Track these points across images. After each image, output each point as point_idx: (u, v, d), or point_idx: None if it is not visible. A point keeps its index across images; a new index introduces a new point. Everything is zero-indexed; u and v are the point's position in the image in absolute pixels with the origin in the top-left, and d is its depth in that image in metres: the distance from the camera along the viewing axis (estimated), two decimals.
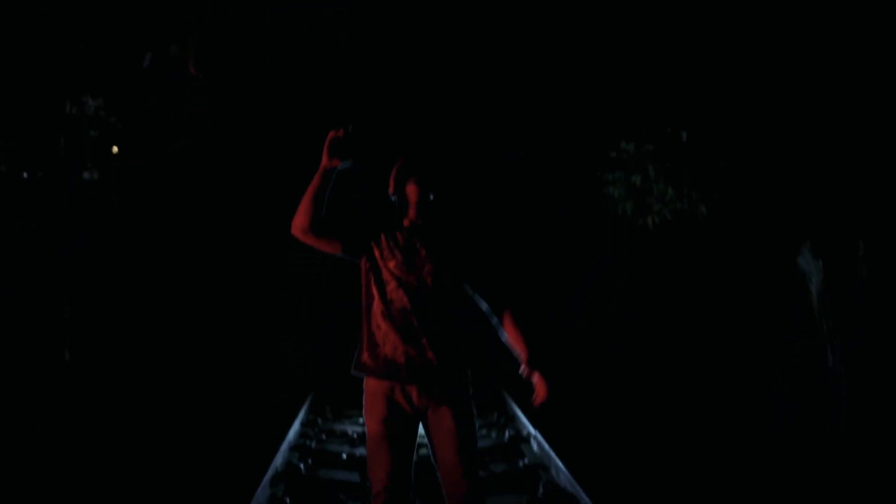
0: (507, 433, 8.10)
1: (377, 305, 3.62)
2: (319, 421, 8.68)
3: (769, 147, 8.86)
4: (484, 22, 11.85)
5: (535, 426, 7.77)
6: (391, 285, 3.61)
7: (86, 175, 10.23)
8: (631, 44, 9.96)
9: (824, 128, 8.38)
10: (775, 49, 8.67)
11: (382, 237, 3.67)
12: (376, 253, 3.65)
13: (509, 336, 3.67)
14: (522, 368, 3.63)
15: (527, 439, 7.86)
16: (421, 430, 3.72)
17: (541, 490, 6.07)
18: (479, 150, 11.31)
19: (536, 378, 3.62)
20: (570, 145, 11.16)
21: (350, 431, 8.24)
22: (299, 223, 3.57)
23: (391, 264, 3.62)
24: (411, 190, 3.69)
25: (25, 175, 8.97)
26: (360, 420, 8.77)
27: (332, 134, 3.54)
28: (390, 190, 3.75)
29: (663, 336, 10.68)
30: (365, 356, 3.63)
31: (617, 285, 11.82)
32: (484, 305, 3.73)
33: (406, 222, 3.72)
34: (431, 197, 3.71)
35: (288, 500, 5.69)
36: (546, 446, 7.00)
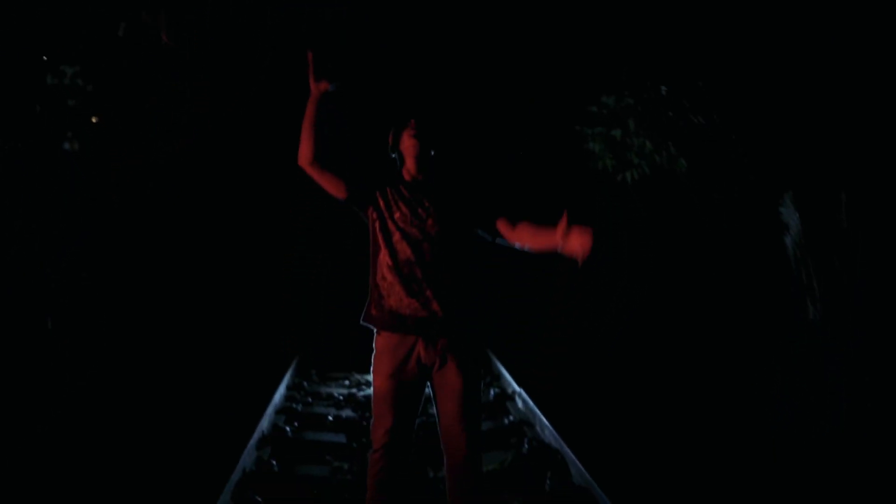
0: (492, 391, 8.15)
1: (383, 257, 3.67)
2: (305, 384, 8.71)
3: (749, 101, 8.85)
4: (487, 17, 11.78)
5: (519, 384, 7.82)
6: (396, 236, 3.65)
7: (66, 145, 10.17)
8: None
9: (802, 77, 8.38)
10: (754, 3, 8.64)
11: (388, 190, 3.72)
12: (381, 204, 3.70)
13: (532, 233, 3.60)
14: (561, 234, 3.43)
15: (512, 397, 7.91)
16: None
17: (526, 446, 6.13)
18: (473, 109, 11.27)
19: (577, 231, 3.41)
20: (550, 99, 11.11)
21: (336, 394, 8.27)
22: (302, 153, 3.70)
23: (396, 216, 3.67)
24: (412, 147, 3.72)
25: (5, 146, 8.91)
26: (346, 383, 8.82)
27: (310, 56, 3.61)
28: (390, 146, 3.80)
29: (647, 296, 10.74)
30: (373, 308, 3.69)
31: (601, 246, 11.83)
32: (494, 237, 3.73)
33: (408, 178, 3.76)
34: (432, 153, 3.75)
35: (274, 463, 5.72)
36: (531, 403, 7.06)
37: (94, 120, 10.28)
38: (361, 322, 3.76)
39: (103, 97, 9.75)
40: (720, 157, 9.30)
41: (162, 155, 10.55)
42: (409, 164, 3.75)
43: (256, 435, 6.05)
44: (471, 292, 3.71)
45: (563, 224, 3.43)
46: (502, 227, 3.69)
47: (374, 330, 3.72)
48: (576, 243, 3.39)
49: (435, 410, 3.75)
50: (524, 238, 3.63)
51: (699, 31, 9.13)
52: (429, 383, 3.73)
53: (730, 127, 9.05)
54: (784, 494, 5.06)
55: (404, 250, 3.64)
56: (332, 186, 3.72)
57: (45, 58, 9.46)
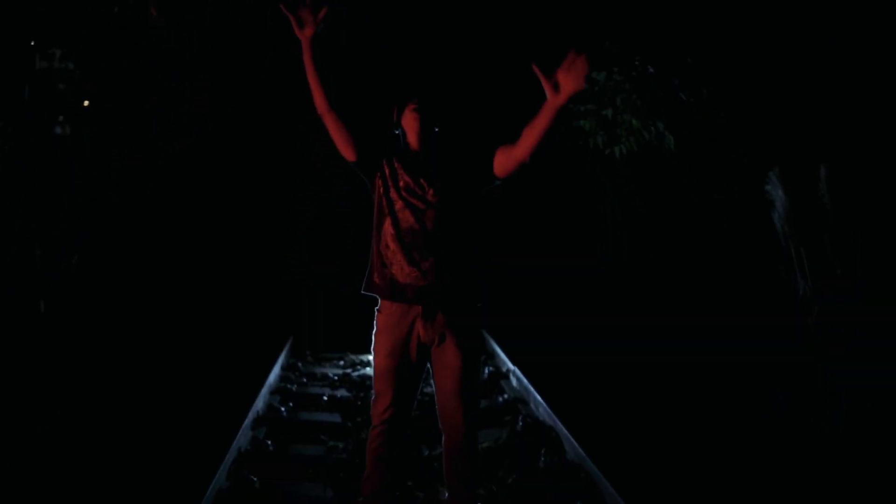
0: (486, 370, 8.17)
1: (386, 226, 3.68)
2: (300, 365, 8.72)
3: (737, 78, 8.87)
4: (487, 16, 11.75)
5: (513, 362, 7.84)
6: (399, 204, 3.66)
7: (57, 129, 10.14)
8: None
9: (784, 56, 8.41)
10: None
11: (393, 159, 3.73)
12: (387, 172, 3.72)
13: (527, 131, 3.51)
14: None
15: (506, 375, 7.94)
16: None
17: (520, 423, 6.16)
18: (470, 83, 11.25)
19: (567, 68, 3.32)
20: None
21: (331, 374, 8.28)
22: (316, 102, 3.73)
23: (400, 184, 3.68)
24: (414, 123, 3.72)
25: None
26: (341, 363, 8.83)
27: (283, 7, 3.65)
28: (394, 121, 3.81)
29: (642, 274, 10.78)
30: (374, 276, 3.71)
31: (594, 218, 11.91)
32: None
33: (410, 151, 3.77)
34: (436, 129, 3.76)
35: (269, 443, 5.74)
36: (525, 381, 7.08)
37: (85, 104, 10.27)
38: (363, 291, 3.78)
39: (93, 80, 9.74)
40: (708, 134, 9.33)
41: (162, 155, 10.55)
42: (412, 139, 3.76)
43: (251, 415, 6.06)
44: (472, 264, 3.72)
45: (544, 78, 3.37)
46: (502, 156, 3.64)
47: (376, 306, 3.74)
48: (570, 78, 3.32)
49: (433, 388, 3.78)
50: (524, 143, 3.52)
51: (689, 9, 9.14)
52: (429, 361, 3.75)
53: (718, 104, 9.08)
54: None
55: (407, 219, 3.65)
56: (344, 144, 3.73)
57: (33, 42, 9.43)
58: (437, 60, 11.73)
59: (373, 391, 3.76)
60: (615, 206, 11.81)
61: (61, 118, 10.09)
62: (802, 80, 8.30)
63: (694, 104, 9.24)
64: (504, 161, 3.62)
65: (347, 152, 3.75)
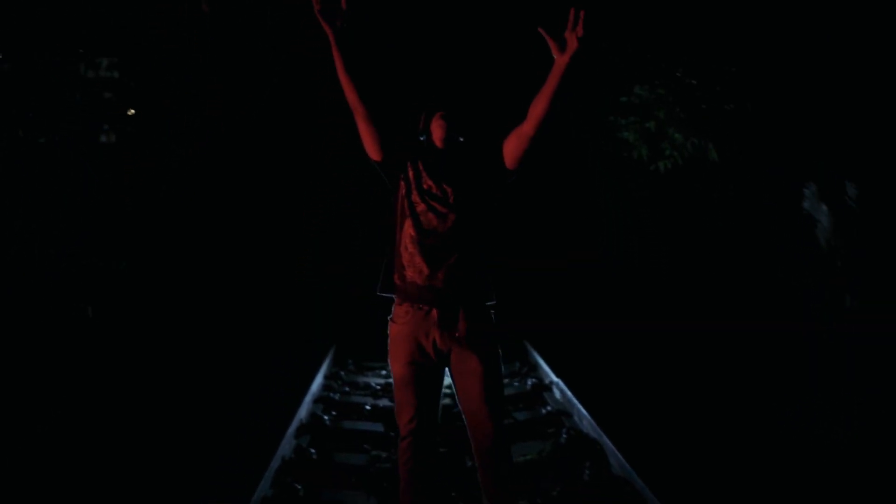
0: (529, 382, 8.13)
1: (407, 228, 3.67)
2: (342, 373, 8.74)
3: (777, 89, 8.81)
4: (488, 16, 11.78)
5: (557, 374, 7.79)
6: (420, 207, 3.65)
7: (103, 138, 10.25)
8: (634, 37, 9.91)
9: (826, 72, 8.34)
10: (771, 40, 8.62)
11: (417, 161, 3.71)
12: (410, 174, 3.70)
13: (534, 102, 3.56)
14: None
15: (549, 387, 7.88)
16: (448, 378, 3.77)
17: (564, 436, 6.11)
18: (501, 93, 11.27)
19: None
20: (582, 90, 11.11)
21: (373, 384, 8.29)
22: (348, 97, 3.72)
23: (424, 187, 3.67)
24: (438, 124, 3.72)
25: (43, 140, 8.99)
26: (383, 372, 8.83)
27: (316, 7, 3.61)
28: (420, 129, 3.81)
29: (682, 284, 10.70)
30: (394, 277, 3.70)
31: (632, 230, 11.86)
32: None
33: (434, 155, 3.76)
34: (461, 139, 3.75)
35: (313, 451, 5.75)
36: (568, 393, 7.03)
37: (130, 112, 10.37)
38: (379, 293, 3.76)
39: (140, 90, 9.83)
40: (752, 146, 9.26)
41: (175, 157, 10.62)
42: (437, 144, 3.75)
43: (295, 424, 6.07)
44: (487, 267, 3.70)
45: (551, 40, 3.46)
46: (511, 143, 3.65)
47: (389, 315, 3.72)
48: (573, 37, 3.42)
49: (456, 397, 3.75)
50: (532, 114, 3.56)
51: (732, 18, 9.08)
52: (448, 370, 3.72)
53: (763, 115, 9.01)
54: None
55: (429, 222, 3.64)
56: (371, 142, 3.74)
57: (80, 50, 9.55)
58: (459, 63, 11.74)
59: (395, 402, 3.74)
60: (625, 209, 11.78)
61: (106, 127, 10.21)
62: (841, 92, 8.23)
63: (738, 115, 9.18)
64: (514, 145, 3.63)
65: (373, 151, 3.75)
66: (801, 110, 8.64)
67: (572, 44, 3.42)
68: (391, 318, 3.73)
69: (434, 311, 3.61)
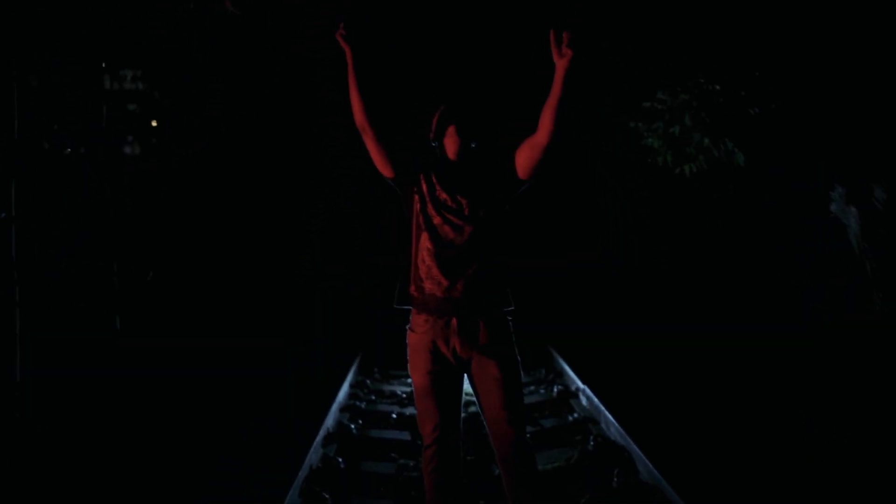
0: (555, 389, 8.10)
1: (423, 241, 3.68)
2: (368, 382, 8.75)
3: (801, 91, 8.77)
4: (488, 16, 11.80)
5: (583, 381, 7.77)
6: (436, 220, 3.66)
7: (127, 149, 10.32)
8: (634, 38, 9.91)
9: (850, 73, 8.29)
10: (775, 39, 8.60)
11: (431, 174, 3.72)
12: (424, 187, 3.71)
13: (543, 113, 3.57)
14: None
15: (575, 394, 7.86)
16: (467, 385, 3.76)
17: (591, 443, 6.07)
18: (518, 99, 11.28)
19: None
20: (605, 95, 11.10)
21: (399, 392, 8.29)
22: (356, 116, 3.72)
23: (438, 200, 3.67)
24: (452, 137, 3.72)
25: (69, 150, 9.06)
26: (409, 380, 8.81)
27: (340, 31, 3.68)
28: (431, 136, 3.80)
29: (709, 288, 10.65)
30: (410, 289, 3.70)
31: (658, 234, 11.83)
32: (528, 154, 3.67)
33: (448, 164, 3.76)
34: (473, 145, 3.75)
35: (340, 460, 5.75)
36: (595, 400, 7.00)
37: (153, 124, 10.44)
38: (396, 305, 3.77)
39: (166, 103, 9.88)
40: (779, 149, 9.22)
41: (175, 158, 10.65)
42: (450, 155, 3.75)
43: (322, 432, 6.08)
44: (504, 274, 3.70)
45: (555, 45, 3.51)
46: (523, 153, 3.66)
47: (407, 325, 3.73)
48: (565, 53, 3.48)
49: (477, 404, 3.74)
50: (542, 123, 3.56)
51: (756, 22, 9.05)
52: (468, 377, 3.72)
53: (788, 118, 8.98)
54: None
55: (445, 235, 3.65)
56: (381, 161, 3.75)
57: (104, 63, 9.62)
58: (466, 62, 11.75)
59: (417, 412, 3.74)
60: (626, 209, 11.77)
61: (131, 138, 10.28)
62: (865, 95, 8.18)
63: (763, 118, 9.15)
64: (527, 155, 3.63)
65: (385, 169, 3.76)
66: (827, 113, 8.60)
67: (567, 52, 3.46)
68: (410, 328, 3.74)
69: (454, 320, 3.62)
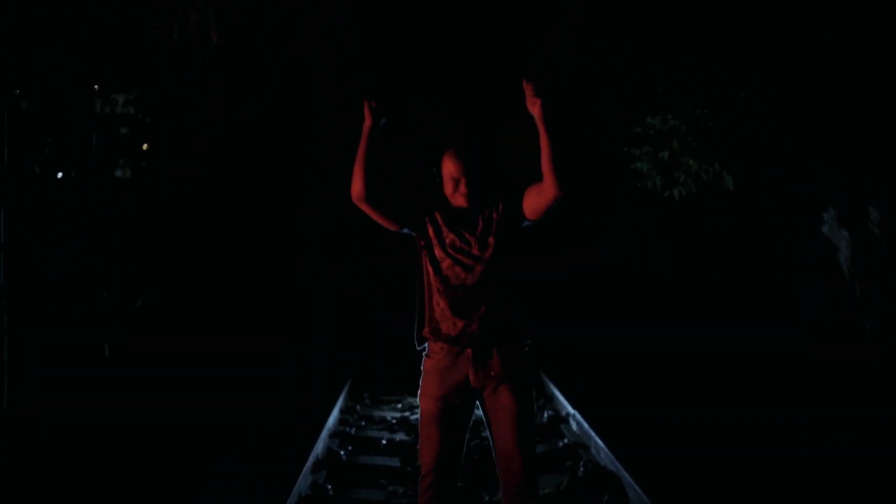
0: (545, 414, 8.09)
1: (434, 282, 3.67)
2: (358, 408, 8.72)
3: (789, 115, 8.83)
4: (488, 16, 11.88)
5: (574, 406, 7.76)
6: (446, 262, 3.66)
7: (118, 172, 10.32)
8: (652, 21, 9.95)
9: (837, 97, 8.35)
10: (794, 19, 8.63)
11: (437, 215, 3.72)
12: (430, 231, 3.71)
13: (542, 168, 3.54)
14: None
15: (566, 419, 7.85)
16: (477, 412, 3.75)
17: (581, 469, 6.06)
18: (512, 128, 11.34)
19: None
20: (594, 121, 11.18)
21: (389, 417, 8.27)
22: (355, 190, 3.65)
23: (446, 241, 3.67)
24: (463, 199, 3.72)
25: (60, 175, 9.06)
26: (399, 406, 8.80)
27: (366, 103, 3.65)
28: (436, 172, 3.81)
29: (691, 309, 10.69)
30: (426, 331, 3.69)
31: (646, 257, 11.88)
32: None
33: (453, 204, 3.76)
34: (476, 178, 3.74)
35: (329, 487, 5.72)
36: (585, 426, 6.99)
37: (144, 147, 10.44)
38: (418, 348, 3.77)
39: (157, 126, 9.90)
40: (767, 172, 9.28)
41: (175, 158, 10.64)
42: (458, 199, 3.74)
43: (311, 459, 6.05)
44: (519, 307, 3.69)
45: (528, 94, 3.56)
46: (532, 198, 3.64)
47: (424, 351, 3.72)
48: (534, 103, 3.52)
49: (489, 435, 3.73)
50: (546, 176, 3.53)
51: (740, 52, 9.12)
52: (480, 407, 3.71)
53: (777, 141, 9.03)
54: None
55: (456, 276, 3.65)
56: (385, 221, 3.73)
57: (96, 87, 9.63)
58: (480, 100, 11.80)
59: (419, 438, 3.72)
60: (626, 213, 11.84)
61: (122, 161, 10.29)
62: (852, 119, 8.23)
63: (751, 142, 9.20)
64: (535, 202, 3.61)
65: (389, 225, 3.75)
66: (816, 133, 8.65)
67: (536, 101, 3.51)
68: (426, 354, 3.73)
69: (469, 350, 3.62)
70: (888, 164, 7.86)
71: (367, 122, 3.67)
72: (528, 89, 3.54)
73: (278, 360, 9.86)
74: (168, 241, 10.52)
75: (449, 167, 3.74)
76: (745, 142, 9.21)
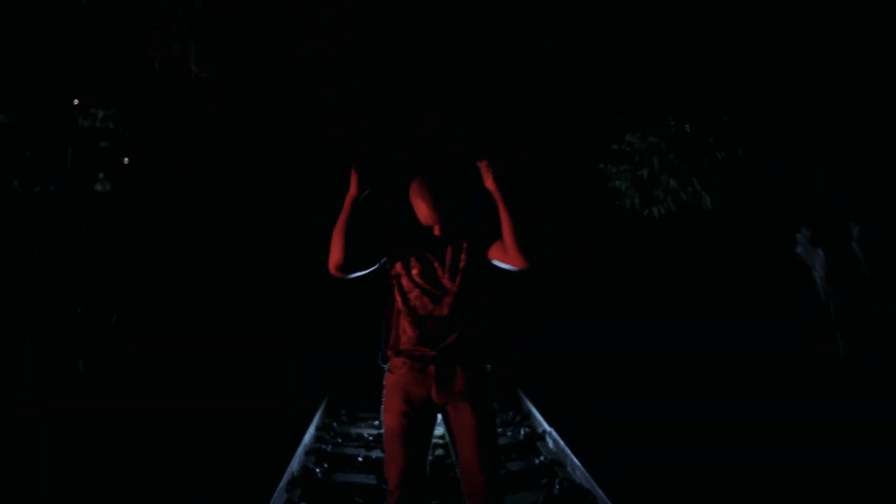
0: (522, 431, 8.09)
1: (402, 310, 3.70)
2: (335, 425, 8.69)
3: (768, 136, 8.89)
4: (488, 16, 11.92)
5: (550, 424, 7.76)
6: (414, 293, 3.70)
7: (98, 187, 10.28)
8: (634, 38, 10.00)
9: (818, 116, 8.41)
10: (774, 44, 8.70)
11: (404, 248, 3.75)
12: (399, 265, 3.74)
13: (502, 233, 3.69)
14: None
15: (542, 437, 7.85)
16: (439, 428, 3.77)
17: (556, 487, 6.07)
18: (487, 149, 11.36)
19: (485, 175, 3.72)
20: (574, 138, 11.22)
21: (366, 434, 8.24)
22: (333, 261, 3.73)
23: (413, 272, 3.71)
24: (428, 203, 3.76)
25: (39, 189, 9.02)
26: (376, 423, 8.78)
27: (354, 173, 3.73)
28: (410, 201, 3.85)
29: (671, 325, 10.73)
30: (390, 354, 3.72)
31: (625, 277, 11.91)
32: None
33: (423, 233, 3.80)
34: (451, 209, 3.78)
35: None
36: (561, 443, 7.00)
37: (125, 161, 10.41)
38: (381, 364, 3.80)
39: (137, 140, 9.88)
40: (745, 192, 9.33)
41: (175, 158, 10.62)
42: (422, 222, 3.80)
43: (286, 477, 6.03)
44: (487, 334, 3.73)
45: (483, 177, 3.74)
46: (498, 252, 3.74)
47: (386, 365, 3.76)
48: (489, 179, 3.70)
49: (452, 452, 3.75)
50: (510, 247, 3.65)
51: (721, 74, 9.18)
52: (444, 425, 3.74)
53: (755, 162, 9.08)
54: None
55: (424, 306, 3.70)
56: (359, 270, 3.78)
57: (76, 101, 9.61)
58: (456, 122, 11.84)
59: (384, 455, 3.74)
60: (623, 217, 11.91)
61: (101, 175, 10.25)
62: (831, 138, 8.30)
63: (729, 161, 9.25)
64: (500, 256, 3.73)
65: (362, 272, 3.80)
66: (816, 133, 8.69)
67: (489, 175, 3.70)
68: (388, 369, 3.75)
69: (431, 367, 3.65)
70: (888, 164, 7.91)
71: (352, 191, 3.70)
72: (482, 167, 3.70)
73: (278, 360, 9.85)
74: (168, 240, 10.50)
75: (417, 199, 3.78)
76: (725, 163, 9.26)
